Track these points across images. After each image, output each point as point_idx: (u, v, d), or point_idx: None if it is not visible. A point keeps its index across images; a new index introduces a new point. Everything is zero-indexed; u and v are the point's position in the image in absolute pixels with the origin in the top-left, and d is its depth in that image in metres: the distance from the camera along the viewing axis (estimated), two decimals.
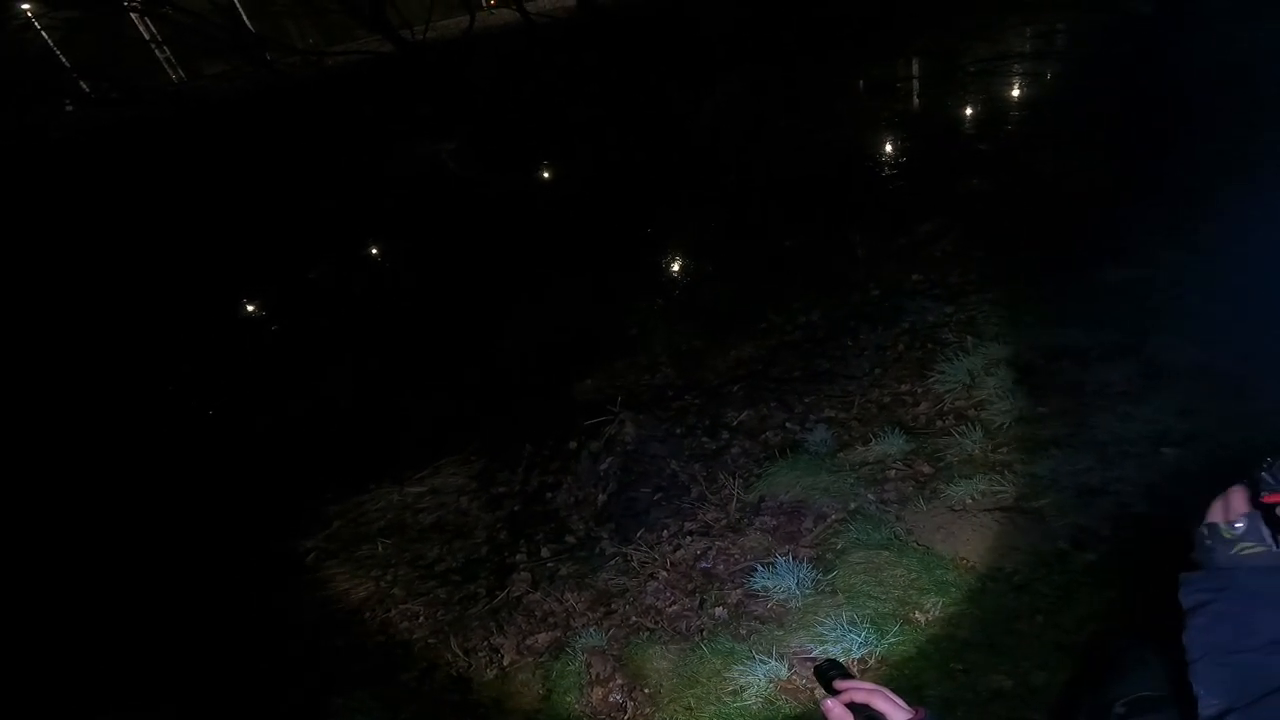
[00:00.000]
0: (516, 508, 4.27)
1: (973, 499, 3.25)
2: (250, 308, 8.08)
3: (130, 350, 7.59)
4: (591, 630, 3.08)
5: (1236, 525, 1.00)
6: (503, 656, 3.17)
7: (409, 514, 4.53)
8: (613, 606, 3.25)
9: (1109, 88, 6.58)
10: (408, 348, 6.33)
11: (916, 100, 8.01)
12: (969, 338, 3.96)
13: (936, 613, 2.81)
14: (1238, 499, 1.05)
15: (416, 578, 3.98)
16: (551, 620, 3.32)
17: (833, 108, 8.27)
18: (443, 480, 4.74)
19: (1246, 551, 0.97)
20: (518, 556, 3.89)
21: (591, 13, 14.05)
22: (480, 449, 4.82)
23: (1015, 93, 7.35)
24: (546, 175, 9.52)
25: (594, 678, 2.83)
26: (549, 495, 4.25)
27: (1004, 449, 3.43)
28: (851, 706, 0.97)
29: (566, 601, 3.37)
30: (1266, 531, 0.98)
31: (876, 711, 0.95)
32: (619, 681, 2.79)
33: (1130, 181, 5.01)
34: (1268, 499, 0.97)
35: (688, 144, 8.60)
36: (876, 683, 1.01)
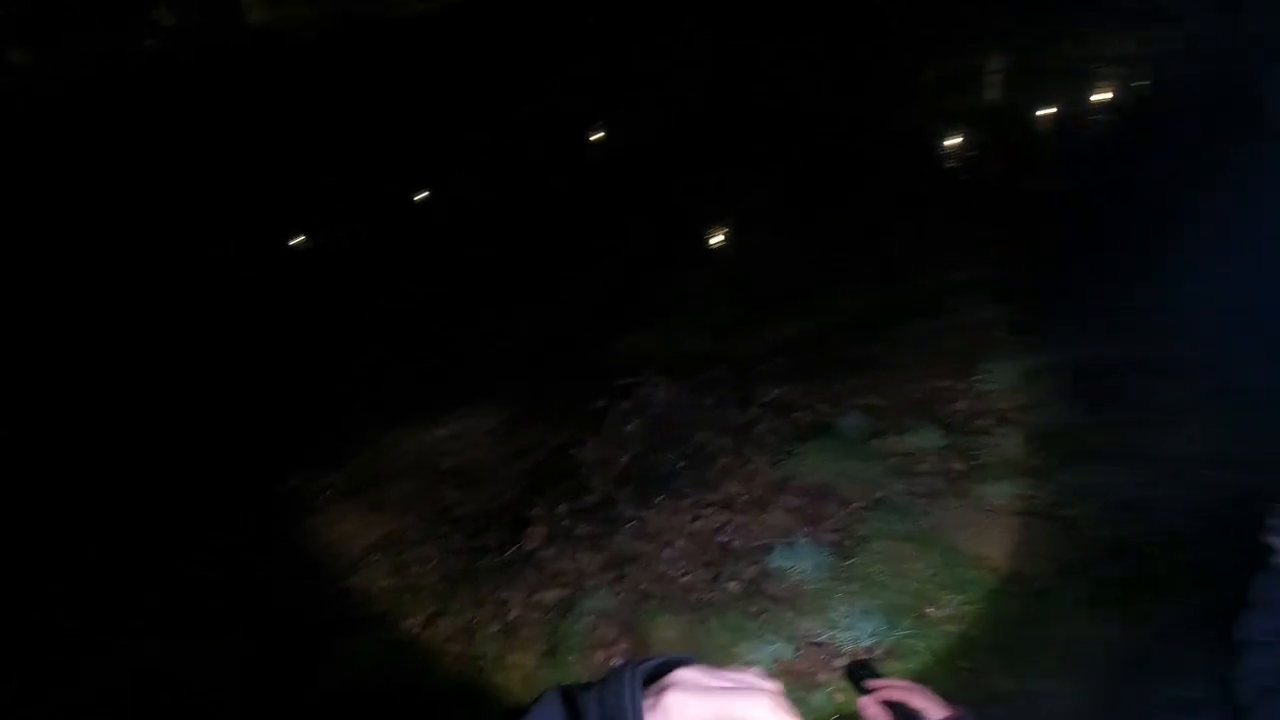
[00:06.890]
0: (539, 460, 4.29)
1: (1003, 501, 3.17)
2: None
3: None
4: (602, 592, 3.10)
5: None
6: (509, 610, 3.21)
7: (432, 456, 4.59)
8: (625, 571, 3.25)
9: None
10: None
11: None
12: (1023, 338, 3.80)
13: (951, 610, 2.77)
14: None
15: (434, 521, 4.04)
16: (562, 579, 3.34)
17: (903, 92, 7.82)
18: (467, 425, 4.78)
19: None
20: (534, 511, 3.92)
21: None
22: (509, 397, 4.85)
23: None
24: None
25: (599, 640, 2.85)
26: (572, 451, 4.26)
27: (1042, 454, 3.32)
28: (888, 705, 0.93)
29: (579, 561, 3.38)
30: None
31: (913, 709, 0.92)
32: (624, 646, 2.81)
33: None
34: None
35: None
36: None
